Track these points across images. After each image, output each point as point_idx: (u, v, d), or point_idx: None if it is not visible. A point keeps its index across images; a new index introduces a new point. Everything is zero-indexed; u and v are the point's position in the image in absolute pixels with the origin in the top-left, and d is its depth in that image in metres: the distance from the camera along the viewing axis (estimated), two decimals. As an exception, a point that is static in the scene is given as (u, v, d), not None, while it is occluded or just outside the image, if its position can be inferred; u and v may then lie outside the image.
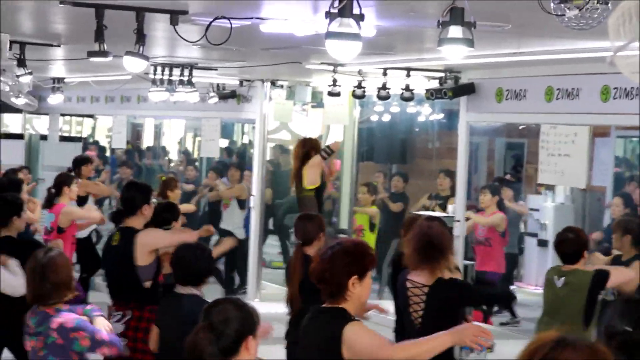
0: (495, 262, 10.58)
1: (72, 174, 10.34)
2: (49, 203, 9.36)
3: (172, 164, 18.52)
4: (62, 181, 9.43)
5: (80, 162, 11.37)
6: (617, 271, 6.53)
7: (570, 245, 6.39)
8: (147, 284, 6.40)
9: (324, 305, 4.18)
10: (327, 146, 9.55)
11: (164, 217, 7.01)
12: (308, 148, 9.47)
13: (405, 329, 5.65)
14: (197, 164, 16.96)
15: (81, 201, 11.32)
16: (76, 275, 11.97)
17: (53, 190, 9.42)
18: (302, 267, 6.32)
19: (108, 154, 19.32)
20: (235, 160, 16.05)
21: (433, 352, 4.05)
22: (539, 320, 6.70)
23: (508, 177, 11.97)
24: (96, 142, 19.48)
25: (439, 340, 4.07)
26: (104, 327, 5.03)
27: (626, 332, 2.97)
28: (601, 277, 6.24)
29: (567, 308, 6.31)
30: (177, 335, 5.37)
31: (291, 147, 14.81)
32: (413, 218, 7.23)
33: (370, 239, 11.67)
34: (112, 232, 6.84)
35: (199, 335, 3.43)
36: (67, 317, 4.88)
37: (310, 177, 9.33)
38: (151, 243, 6.41)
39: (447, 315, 5.35)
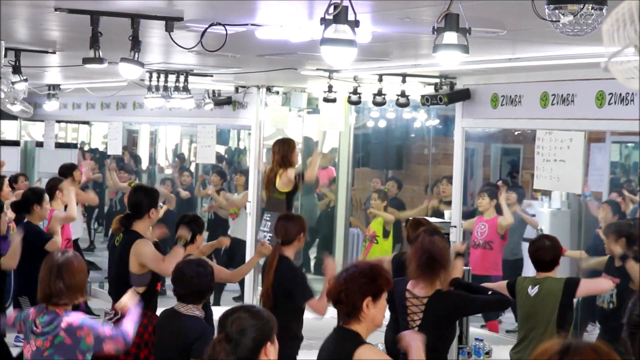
0: (495, 265, 10.48)
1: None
2: None
3: (166, 170, 18.38)
4: (54, 185, 9.37)
5: (69, 169, 11.28)
6: (587, 281, 6.62)
7: (547, 252, 6.37)
8: (140, 289, 6.35)
9: (340, 325, 4.22)
10: (301, 175, 9.31)
11: (190, 229, 6.84)
12: (287, 150, 9.25)
13: (399, 327, 5.82)
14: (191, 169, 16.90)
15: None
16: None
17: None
18: (276, 267, 6.37)
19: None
20: (225, 167, 15.99)
21: None
22: (518, 331, 6.60)
23: (500, 183, 11.80)
24: (92, 150, 19.35)
25: None
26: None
27: None
28: (571, 284, 6.27)
29: (540, 315, 6.29)
30: (172, 355, 5.40)
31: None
32: (418, 221, 7.28)
33: (384, 246, 11.45)
34: (118, 232, 6.84)
35: (216, 348, 3.37)
36: (75, 316, 4.91)
37: (284, 181, 9.15)
38: (141, 257, 6.40)
39: (443, 326, 5.72)
